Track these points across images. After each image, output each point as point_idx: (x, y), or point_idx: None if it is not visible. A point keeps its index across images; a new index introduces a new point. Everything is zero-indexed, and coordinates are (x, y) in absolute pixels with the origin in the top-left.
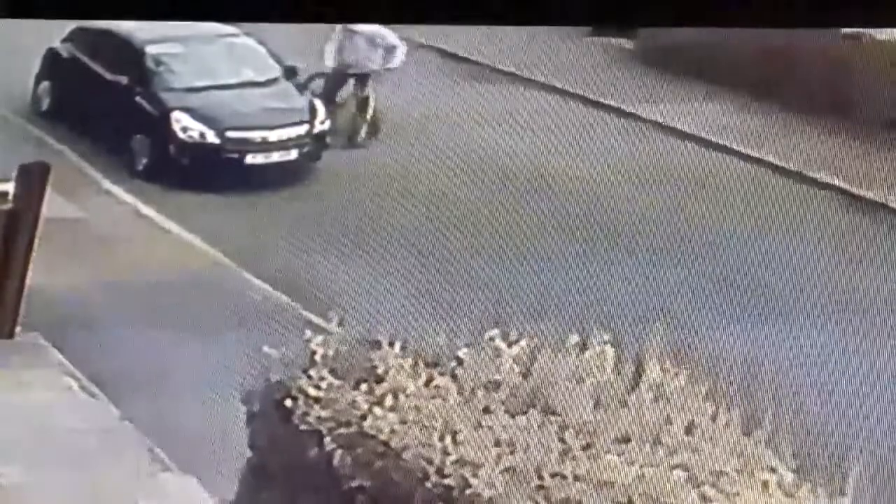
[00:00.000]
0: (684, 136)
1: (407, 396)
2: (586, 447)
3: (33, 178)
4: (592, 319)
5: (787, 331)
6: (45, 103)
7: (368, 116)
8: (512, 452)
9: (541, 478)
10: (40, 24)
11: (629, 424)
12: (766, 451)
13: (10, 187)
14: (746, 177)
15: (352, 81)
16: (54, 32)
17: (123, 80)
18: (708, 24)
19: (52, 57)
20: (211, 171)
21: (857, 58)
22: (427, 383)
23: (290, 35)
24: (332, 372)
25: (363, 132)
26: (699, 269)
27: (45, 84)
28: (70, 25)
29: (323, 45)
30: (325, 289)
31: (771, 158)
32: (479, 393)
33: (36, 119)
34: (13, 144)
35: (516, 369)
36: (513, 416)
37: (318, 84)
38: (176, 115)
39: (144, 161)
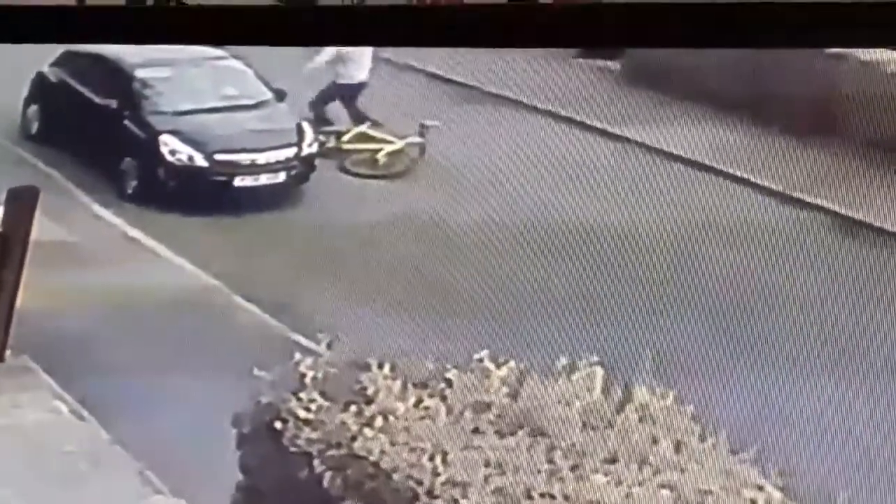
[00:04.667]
0: (670, 156)
1: (396, 418)
2: (574, 468)
3: (22, 202)
4: (581, 342)
5: (777, 355)
6: (34, 127)
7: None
8: (501, 473)
9: (530, 498)
10: (29, 47)
11: (617, 445)
12: (753, 469)
13: None
14: (733, 198)
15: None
16: (43, 56)
17: (112, 103)
18: (694, 45)
19: (40, 80)
20: (199, 194)
21: (844, 79)
22: (416, 404)
23: (279, 58)
24: (322, 394)
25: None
26: (687, 291)
27: (33, 108)
28: (59, 49)
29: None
30: (314, 311)
31: (757, 179)
32: (468, 414)
33: (24, 143)
34: (2, 168)
35: (505, 390)
36: (502, 437)
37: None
38: (164, 138)
39: (133, 184)
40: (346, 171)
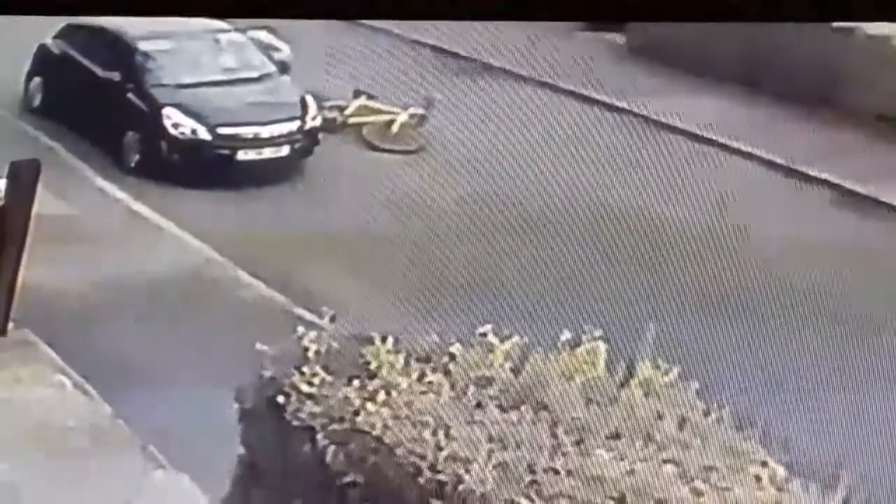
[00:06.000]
0: (674, 130)
1: (399, 392)
2: (578, 443)
3: (24, 176)
4: (585, 317)
5: (779, 328)
6: (37, 100)
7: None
8: (504, 448)
9: (533, 473)
10: (32, 20)
11: (621, 420)
12: (758, 446)
13: (1, 185)
14: (737, 171)
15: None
16: (46, 29)
17: (115, 76)
18: (698, 18)
19: (43, 53)
20: (202, 168)
21: (848, 51)
22: (419, 379)
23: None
24: (325, 368)
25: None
26: (689, 266)
27: (36, 80)
28: (62, 22)
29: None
30: (318, 285)
31: (761, 153)
32: (472, 389)
33: (27, 115)
34: (4, 141)
35: (508, 365)
36: (505, 412)
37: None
38: (167, 111)
39: (136, 157)
40: (365, 143)
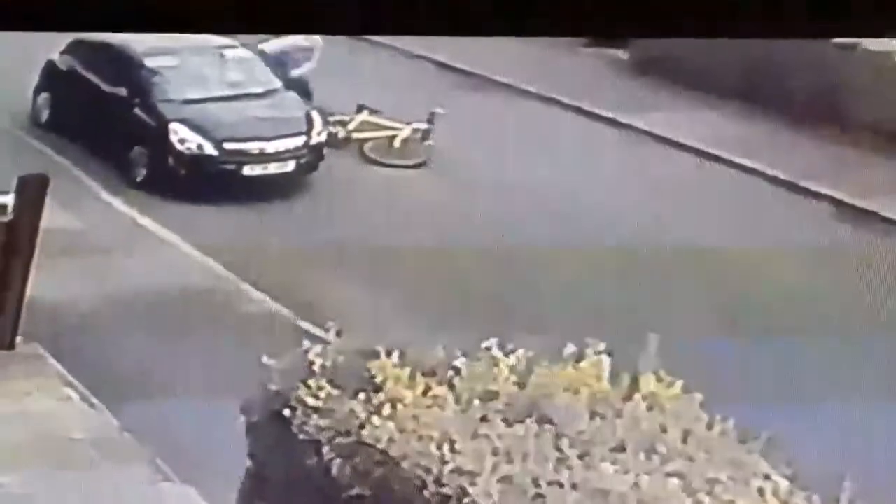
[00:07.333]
0: (678, 145)
1: (405, 406)
2: (582, 456)
3: (32, 190)
4: (588, 330)
5: (782, 341)
6: (45, 115)
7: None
8: (509, 462)
9: (538, 487)
10: (39, 36)
11: (625, 433)
12: (761, 459)
13: (9, 199)
14: (739, 186)
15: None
16: (53, 45)
17: (122, 91)
18: (701, 34)
19: (51, 69)
20: (209, 183)
21: (849, 67)
22: (424, 393)
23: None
24: (331, 382)
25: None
26: (693, 279)
27: (44, 96)
28: (69, 38)
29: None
30: (324, 299)
31: (763, 168)
32: (476, 402)
33: (35, 130)
34: (12, 156)
35: (513, 379)
36: (510, 426)
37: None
38: (173, 126)
39: (143, 172)
40: (367, 158)
